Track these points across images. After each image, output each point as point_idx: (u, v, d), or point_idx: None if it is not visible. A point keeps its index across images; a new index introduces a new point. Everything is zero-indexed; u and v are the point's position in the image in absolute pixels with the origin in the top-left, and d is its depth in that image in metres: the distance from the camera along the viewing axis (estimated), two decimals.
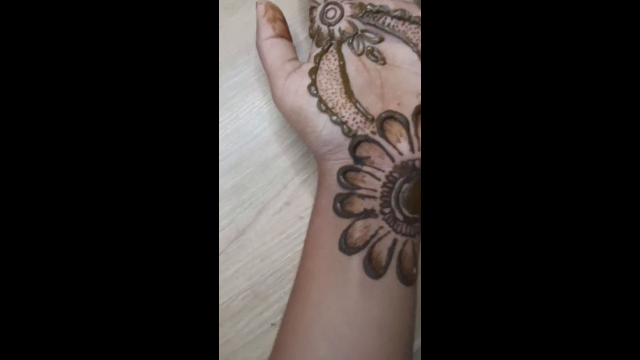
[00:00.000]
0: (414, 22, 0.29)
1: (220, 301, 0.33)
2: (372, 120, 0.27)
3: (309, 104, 0.28)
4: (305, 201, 0.33)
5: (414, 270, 0.27)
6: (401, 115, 0.27)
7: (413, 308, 0.28)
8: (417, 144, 0.27)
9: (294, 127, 0.29)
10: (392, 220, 0.26)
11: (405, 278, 0.27)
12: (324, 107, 0.27)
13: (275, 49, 0.30)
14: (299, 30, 0.36)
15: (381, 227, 0.26)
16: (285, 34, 0.31)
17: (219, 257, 0.34)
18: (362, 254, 0.26)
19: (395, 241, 0.27)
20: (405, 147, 0.27)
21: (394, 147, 0.26)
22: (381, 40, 0.30)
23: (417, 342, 0.32)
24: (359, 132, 0.27)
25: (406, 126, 0.27)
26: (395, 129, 0.27)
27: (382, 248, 0.26)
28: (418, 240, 0.28)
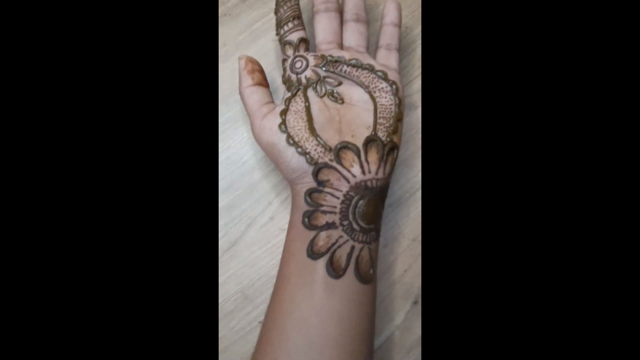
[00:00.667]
0: (365, 69, 0.35)
1: None
2: (330, 150, 0.32)
3: (280, 139, 0.33)
4: (286, 216, 0.37)
5: (371, 271, 0.32)
6: (354, 145, 0.32)
7: (371, 303, 0.32)
8: (367, 167, 0.32)
9: (269, 158, 0.35)
10: (350, 231, 0.31)
11: (363, 278, 0.31)
12: (291, 141, 0.32)
13: (254, 95, 0.36)
14: (276, 75, 0.42)
15: (341, 237, 0.31)
16: (263, 82, 0.36)
17: None
18: (325, 259, 0.31)
19: (353, 247, 0.31)
20: (357, 170, 0.32)
21: (349, 171, 0.32)
22: (340, 84, 0.35)
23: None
24: (320, 160, 0.32)
25: (358, 154, 0.32)
26: (349, 156, 0.32)
27: (342, 253, 0.31)
28: (375, 246, 0.33)
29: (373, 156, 0.32)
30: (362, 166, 0.32)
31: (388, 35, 0.38)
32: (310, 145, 0.32)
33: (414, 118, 0.42)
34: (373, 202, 0.32)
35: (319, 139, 0.32)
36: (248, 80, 0.36)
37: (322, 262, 0.31)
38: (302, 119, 0.34)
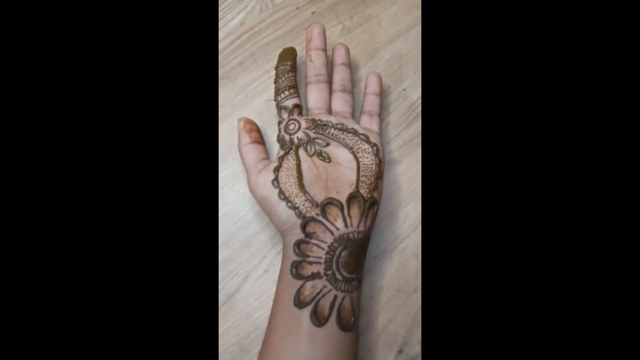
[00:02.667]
0: (350, 132, 0.41)
1: None
2: (317, 205, 0.35)
3: (273, 194, 0.37)
4: (279, 268, 0.39)
5: (352, 320, 0.34)
6: (338, 201, 0.36)
7: (352, 350, 0.34)
8: (349, 221, 0.35)
9: (263, 210, 0.39)
10: (333, 280, 0.34)
11: (344, 326, 0.33)
12: (282, 196, 0.36)
13: (251, 153, 0.40)
14: (270, 132, 0.46)
15: (325, 286, 0.34)
16: (259, 140, 0.42)
17: None
18: (309, 308, 0.33)
19: (335, 297, 0.34)
20: (341, 224, 0.35)
21: (333, 224, 0.35)
22: (327, 144, 0.40)
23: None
24: (307, 214, 0.35)
25: (341, 209, 0.35)
26: (333, 211, 0.35)
27: (325, 302, 0.33)
28: (357, 295, 0.35)
29: (355, 211, 0.36)
30: (344, 220, 0.35)
31: (370, 103, 0.44)
32: (299, 200, 0.36)
33: (396, 174, 0.46)
34: (355, 252, 0.35)
35: (307, 195, 0.36)
36: (246, 139, 0.41)
37: (307, 311, 0.33)
38: (293, 175, 0.38)
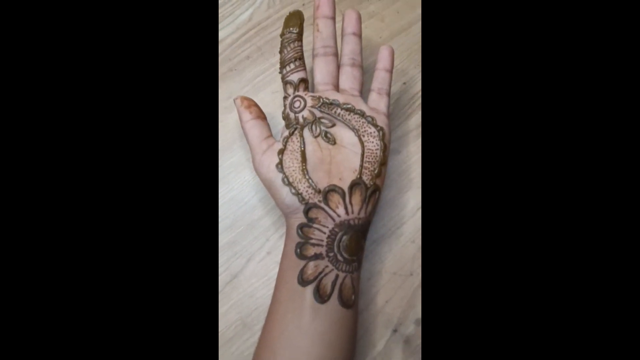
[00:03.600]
0: (357, 113, 0.39)
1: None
2: (319, 192, 0.36)
3: (277, 178, 0.38)
4: (281, 251, 0.40)
5: (352, 298, 0.36)
6: (340, 188, 0.37)
7: (352, 326, 0.36)
8: (351, 208, 0.36)
9: (267, 189, 0.39)
10: (334, 261, 0.36)
11: (345, 303, 0.35)
12: (286, 181, 0.37)
13: (254, 130, 0.40)
14: (274, 124, 0.46)
15: (327, 266, 0.35)
16: (260, 114, 0.41)
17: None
18: (312, 286, 0.35)
19: (337, 276, 0.35)
20: (342, 211, 0.36)
21: (334, 211, 0.36)
22: (333, 125, 0.40)
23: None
24: (310, 201, 0.36)
25: (343, 196, 0.37)
26: (335, 198, 0.36)
27: (327, 281, 0.35)
28: (357, 275, 0.37)
29: (356, 198, 0.37)
30: (346, 207, 0.36)
31: (380, 80, 0.42)
32: (302, 186, 0.37)
33: (396, 162, 0.47)
34: (355, 237, 0.36)
35: (310, 182, 0.37)
36: (247, 115, 0.40)
37: (310, 289, 0.35)
38: (297, 159, 0.38)
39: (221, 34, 0.52)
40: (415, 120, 0.49)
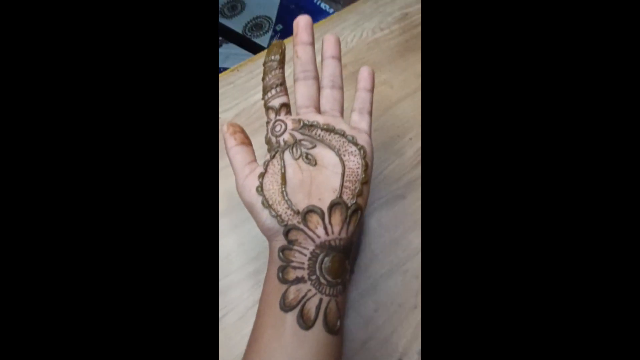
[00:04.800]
0: (337, 133, 0.38)
1: None
2: (298, 213, 0.35)
3: (257, 201, 0.36)
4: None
5: (338, 323, 0.33)
6: (319, 208, 0.35)
7: (338, 353, 0.34)
8: (330, 229, 0.34)
9: (249, 213, 0.38)
10: (317, 284, 0.33)
11: (331, 329, 0.33)
12: (266, 204, 0.35)
13: (238, 155, 0.39)
14: None
15: (309, 290, 0.33)
16: (245, 141, 0.40)
17: None
18: (295, 311, 0.32)
19: (321, 300, 0.33)
20: (321, 232, 0.34)
21: (313, 232, 0.34)
22: (314, 147, 0.38)
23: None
24: (289, 222, 0.35)
25: (322, 217, 0.35)
26: (314, 218, 0.35)
27: (311, 306, 0.33)
28: (342, 299, 0.34)
29: (336, 218, 0.35)
30: (325, 228, 0.34)
31: (361, 100, 0.42)
32: (281, 208, 0.35)
33: (402, 206, 0.50)
34: (337, 258, 0.34)
35: (289, 203, 0.35)
36: (232, 141, 0.40)
37: (292, 315, 0.32)
38: (277, 182, 0.36)
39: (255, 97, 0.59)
40: (418, 171, 0.53)
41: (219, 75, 0.64)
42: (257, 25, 1.92)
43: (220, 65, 1.77)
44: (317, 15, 1.89)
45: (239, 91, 0.61)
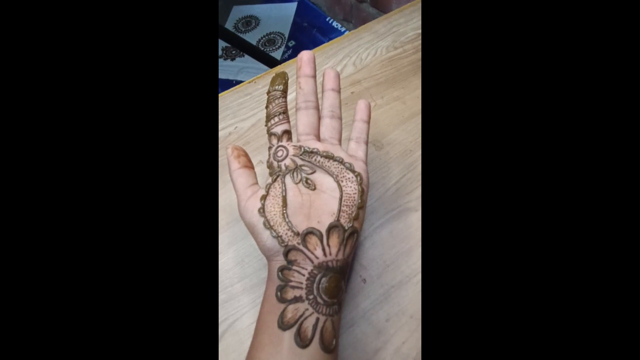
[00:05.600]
0: (336, 160, 0.40)
1: None
2: (298, 234, 0.36)
3: (259, 222, 0.38)
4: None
5: (334, 342, 0.34)
6: (318, 230, 0.36)
7: None
8: (328, 250, 0.36)
9: (250, 233, 0.39)
10: (315, 304, 0.34)
11: (326, 348, 0.33)
12: (267, 225, 0.37)
13: (241, 178, 0.40)
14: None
15: (307, 309, 0.34)
16: (248, 164, 0.42)
17: None
18: (293, 330, 0.33)
19: (317, 319, 0.34)
20: (320, 253, 0.36)
21: (312, 253, 0.36)
22: (313, 172, 0.40)
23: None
24: (289, 243, 0.36)
25: (320, 238, 0.36)
26: (313, 240, 0.36)
27: (308, 325, 0.34)
28: (337, 318, 0.35)
29: (334, 240, 0.36)
30: (323, 249, 0.36)
31: (358, 130, 0.44)
32: (282, 229, 0.36)
33: (413, 220, 0.50)
34: (334, 279, 0.35)
35: (289, 224, 0.36)
36: (235, 164, 0.41)
37: (290, 333, 0.33)
38: (278, 204, 0.38)
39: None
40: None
41: (237, 87, 0.67)
42: (270, 40, 1.96)
43: (233, 78, 1.82)
44: (330, 33, 1.93)
45: (256, 102, 0.64)
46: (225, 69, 1.91)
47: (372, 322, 0.44)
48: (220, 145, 0.59)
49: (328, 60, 0.69)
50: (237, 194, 0.40)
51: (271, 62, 1.62)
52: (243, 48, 1.55)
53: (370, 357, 0.42)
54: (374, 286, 0.46)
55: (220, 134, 0.61)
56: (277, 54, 1.90)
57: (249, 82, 0.66)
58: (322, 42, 0.67)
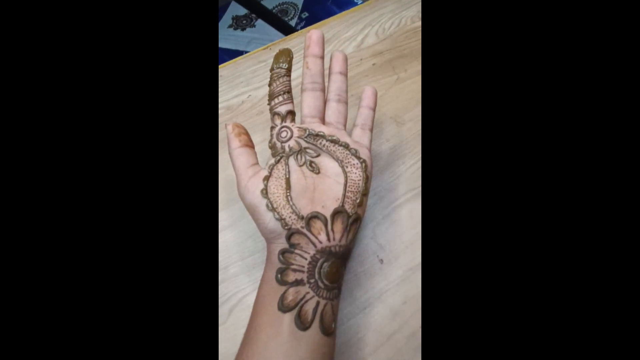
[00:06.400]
0: (341, 145, 0.38)
1: None
2: (302, 218, 0.35)
3: (261, 203, 0.36)
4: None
5: (333, 325, 0.34)
6: (322, 215, 0.35)
7: (332, 353, 0.34)
8: (332, 235, 0.34)
9: (250, 215, 0.38)
10: (316, 288, 0.34)
11: (326, 330, 0.33)
12: (270, 207, 0.35)
13: (241, 157, 0.38)
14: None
15: (307, 293, 0.33)
16: (248, 143, 0.40)
17: None
18: (293, 313, 0.32)
19: (318, 303, 0.33)
20: (324, 237, 0.34)
21: (316, 237, 0.34)
22: (318, 155, 0.38)
23: None
24: (293, 226, 0.35)
25: (325, 223, 0.34)
26: (317, 225, 0.35)
27: (309, 308, 0.33)
28: (337, 303, 0.35)
29: (338, 226, 0.35)
30: (327, 234, 0.34)
31: (364, 117, 0.42)
32: (285, 212, 0.35)
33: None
34: (335, 264, 0.34)
35: (294, 208, 0.35)
36: (236, 142, 0.39)
37: (290, 316, 0.32)
38: (282, 186, 0.36)
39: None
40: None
41: (250, 53, 0.64)
42: (282, 11, 1.89)
43: (244, 48, 1.78)
44: (346, 5, 1.83)
45: None
46: (236, 40, 1.86)
47: (389, 304, 0.42)
48: (232, 115, 0.57)
49: (348, 29, 0.65)
50: (237, 173, 0.38)
51: (287, 30, 1.55)
52: (259, 13, 1.51)
53: (384, 340, 0.41)
54: (391, 267, 0.44)
55: (233, 102, 0.59)
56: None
57: (264, 49, 0.63)
58: None
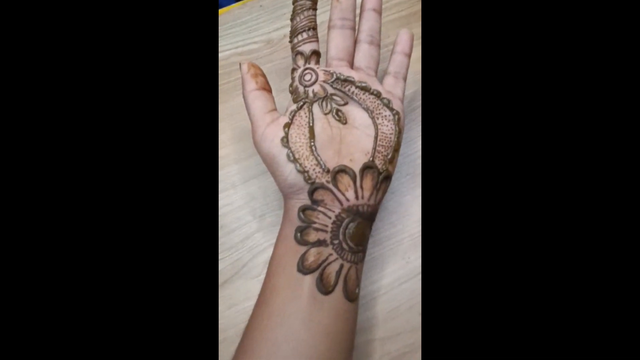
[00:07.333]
0: (373, 94, 0.33)
1: None
2: (328, 171, 0.30)
3: (281, 153, 0.31)
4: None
5: (357, 290, 0.30)
6: (351, 169, 0.30)
7: (354, 320, 0.31)
8: (361, 193, 0.30)
9: (267, 167, 0.33)
10: (339, 250, 0.30)
11: (349, 296, 0.29)
12: (292, 157, 0.31)
13: (258, 101, 0.33)
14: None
15: (330, 254, 0.30)
16: (266, 86, 0.34)
17: None
18: (315, 275, 0.29)
19: (342, 266, 0.30)
20: (351, 195, 0.30)
21: (343, 194, 0.30)
22: (345, 103, 0.33)
23: None
24: (317, 180, 0.30)
25: (354, 179, 0.30)
26: (345, 180, 0.30)
27: (331, 271, 0.29)
28: (361, 267, 0.31)
29: (368, 183, 0.30)
30: (356, 192, 0.30)
31: (397, 64, 0.35)
32: (309, 164, 0.30)
33: None
34: (362, 225, 0.30)
35: (319, 159, 0.30)
36: (252, 84, 0.33)
37: (311, 278, 0.29)
38: (305, 135, 0.31)
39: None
40: None
41: None
42: None
43: None
44: None
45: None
46: None
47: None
48: (271, 50, 0.46)
49: None
50: (252, 119, 0.33)
51: None
52: None
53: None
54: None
55: (274, 35, 0.47)
56: None
57: None
58: None
